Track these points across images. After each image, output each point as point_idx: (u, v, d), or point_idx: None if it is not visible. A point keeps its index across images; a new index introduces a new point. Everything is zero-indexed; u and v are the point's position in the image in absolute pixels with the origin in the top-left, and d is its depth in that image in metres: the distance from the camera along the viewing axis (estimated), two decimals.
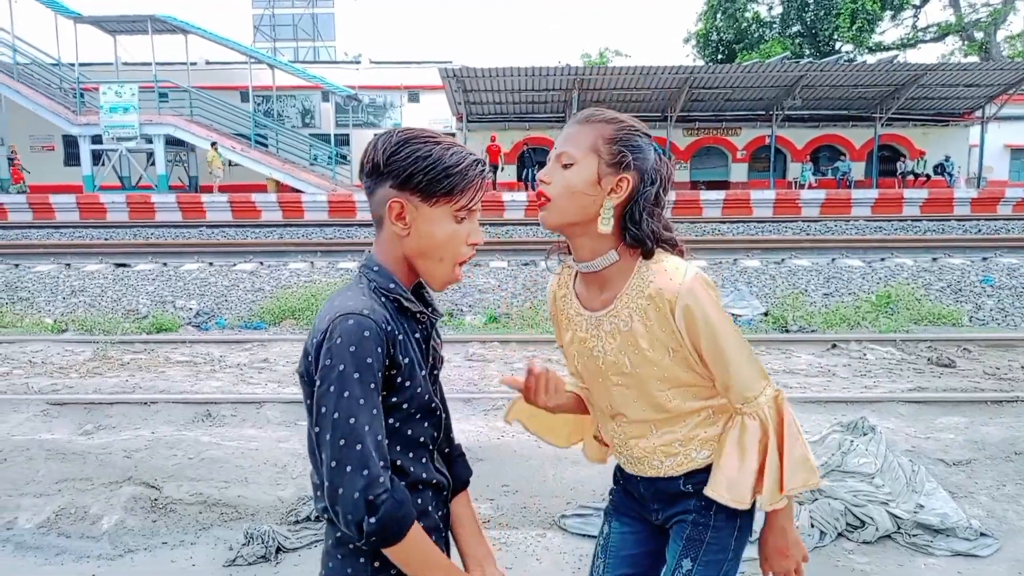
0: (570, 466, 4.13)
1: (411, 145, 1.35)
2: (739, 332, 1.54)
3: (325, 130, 29.69)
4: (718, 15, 36.08)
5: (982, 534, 3.38)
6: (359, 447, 1.19)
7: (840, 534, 3.43)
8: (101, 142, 24.16)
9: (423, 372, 1.40)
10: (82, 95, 24.44)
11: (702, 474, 1.62)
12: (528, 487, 3.95)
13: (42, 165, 28.39)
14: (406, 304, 1.36)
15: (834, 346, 7.00)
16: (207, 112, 25.41)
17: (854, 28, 31.87)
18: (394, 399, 1.32)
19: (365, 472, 1.19)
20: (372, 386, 1.23)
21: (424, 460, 1.42)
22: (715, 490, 1.56)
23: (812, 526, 3.42)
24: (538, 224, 11.99)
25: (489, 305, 8.90)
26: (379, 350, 1.25)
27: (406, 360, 1.33)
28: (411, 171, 1.34)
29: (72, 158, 27.18)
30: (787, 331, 7.78)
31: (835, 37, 34.16)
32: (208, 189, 22.06)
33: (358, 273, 1.40)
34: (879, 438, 3.90)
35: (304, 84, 28.12)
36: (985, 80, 23.84)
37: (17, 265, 11.00)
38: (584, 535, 3.51)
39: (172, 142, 25.19)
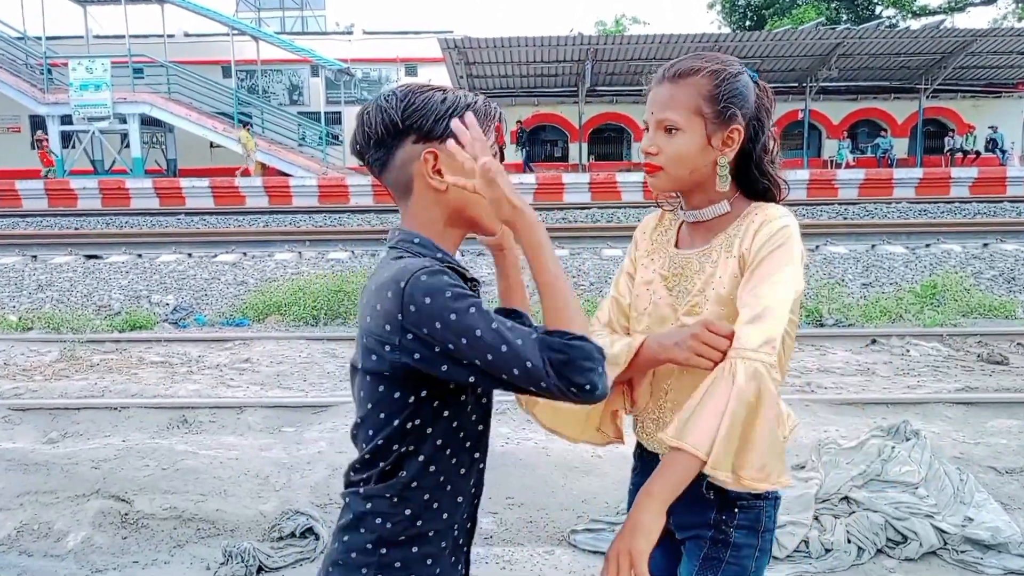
0: (581, 476, 4.10)
1: (423, 94, 1.36)
2: (791, 295, 1.51)
3: (315, 108, 29.63)
4: None
5: None
6: (504, 348, 1.21)
7: (880, 550, 3.39)
8: (71, 122, 24.21)
9: None
10: (50, 71, 24.47)
11: None
12: (535, 499, 3.92)
13: (6, 148, 28.47)
14: (460, 270, 1.36)
15: (874, 341, 6.95)
16: (186, 89, 25.42)
17: None
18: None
19: (530, 363, 1.21)
20: (477, 300, 1.25)
21: (461, 463, 1.42)
22: (686, 437, 1.46)
23: (848, 541, 3.39)
24: (546, 210, 11.98)
25: (493, 298, 8.87)
26: (462, 285, 1.28)
27: None
28: (435, 117, 1.35)
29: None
30: (822, 325, 7.73)
31: (875, 1, 33.88)
32: (247, 173, 22.25)
33: (398, 250, 1.38)
34: (923, 444, 3.86)
35: (291, 58, 28.08)
36: None
37: None
38: (596, 552, 3.48)
39: (148, 122, 25.23)
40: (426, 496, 1.36)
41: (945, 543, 3.38)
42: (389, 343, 1.28)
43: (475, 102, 1.39)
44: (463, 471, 1.42)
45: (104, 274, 10.09)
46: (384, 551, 1.35)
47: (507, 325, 1.24)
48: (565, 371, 1.21)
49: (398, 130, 1.35)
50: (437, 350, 1.24)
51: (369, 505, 1.37)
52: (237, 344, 7.20)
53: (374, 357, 1.31)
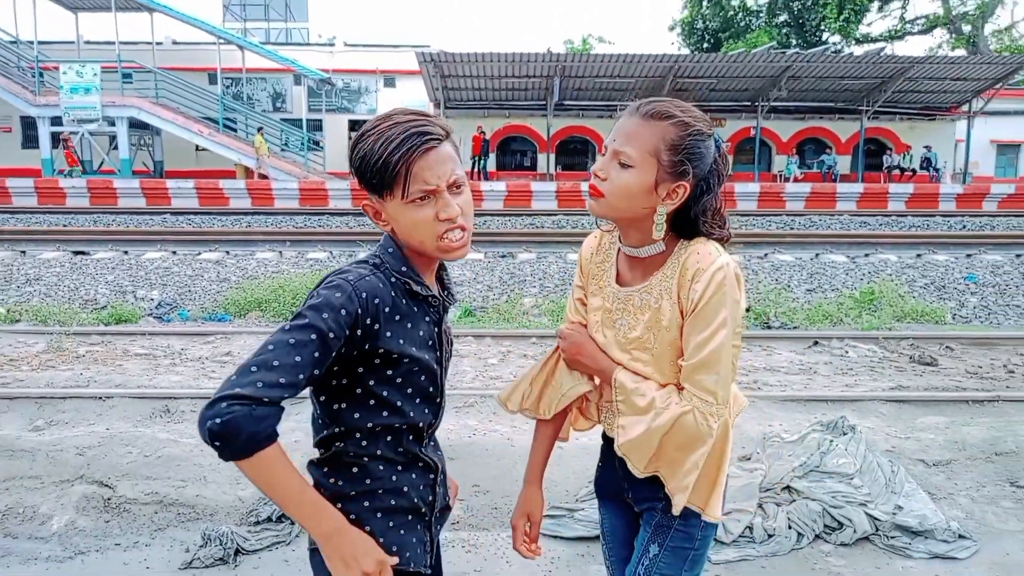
0: None
1: (360, 143, 1.38)
2: (728, 349, 1.53)
3: (297, 115, 29.35)
4: (704, 3, 36.23)
5: (961, 536, 3.41)
6: (254, 369, 1.22)
7: (818, 536, 3.44)
8: (61, 124, 23.72)
9: (430, 355, 1.46)
10: (41, 74, 23.99)
11: None
12: (499, 487, 3.92)
13: None
14: (415, 288, 1.42)
15: (816, 343, 7.05)
16: (173, 94, 25.06)
17: (841, 19, 32.16)
18: (382, 371, 1.40)
19: (238, 385, 1.20)
20: (313, 336, 1.25)
21: (415, 439, 1.49)
22: (630, 455, 1.62)
23: (789, 527, 3.44)
24: (516, 216, 12.00)
25: (464, 298, 8.86)
26: (347, 312, 1.29)
27: (400, 340, 1.39)
28: (360, 172, 1.40)
29: (30, 140, 26.68)
30: (769, 327, 7.82)
31: (822, 27, 34.45)
32: (264, 176, 22.20)
33: (372, 253, 1.45)
34: (859, 438, 3.93)
35: (275, 67, 27.79)
36: (972, 74, 24.14)
37: None
38: (557, 536, 3.49)
39: (136, 125, 24.80)
40: (364, 459, 1.46)
41: (877, 529, 3.44)
42: None
43: (380, 155, 1.34)
44: (415, 451, 1.51)
45: (91, 270, 9.90)
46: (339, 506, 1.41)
47: (278, 367, 1.23)
48: (201, 423, 1.21)
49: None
50: None
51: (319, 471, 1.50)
52: (219, 338, 7.11)
53: None
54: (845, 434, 3.97)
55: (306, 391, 1.36)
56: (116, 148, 24.54)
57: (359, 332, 1.33)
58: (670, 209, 1.55)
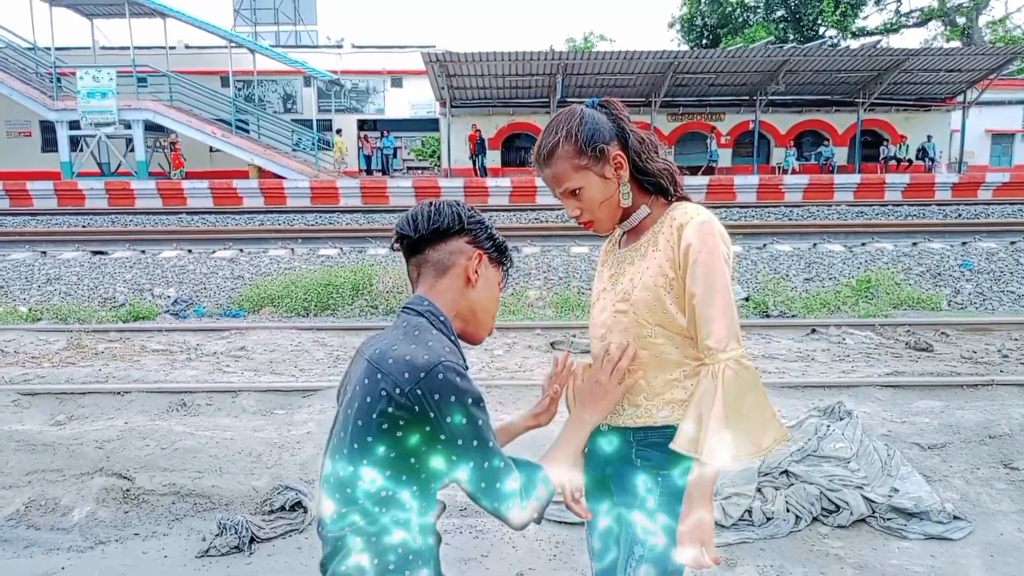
0: None
1: (480, 215, 1.61)
2: (729, 289, 1.58)
3: (307, 115, 29.37)
4: (702, 0, 36.00)
5: (955, 517, 3.40)
6: (502, 465, 1.41)
7: (815, 518, 3.44)
8: (79, 128, 23.77)
9: None
10: (59, 80, 24.02)
11: (652, 448, 1.66)
12: None
13: (19, 151, 27.96)
14: (462, 355, 1.53)
15: (813, 331, 7.03)
16: (187, 97, 25.06)
17: (838, 13, 31.93)
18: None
19: (516, 485, 1.42)
20: (488, 416, 1.42)
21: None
22: (677, 443, 1.59)
23: (787, 510, 3.43)
24: (520, 211, 11.99)
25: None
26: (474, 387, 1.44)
27: None
28: (489, 232, 1.60)
29: (49, 144, 26.72)
30: (768, 316, 7.80)
31: (819, 22, 34.21)
32: (351, 173, 22.82)
33: (424, 318, 1.51)
34: (855, 423, 3.92)
35: (285, 69, 27.78)
36: (967, 65, 23.93)
37: None
38: (561, 522, 3.49)
39: (151, 128, 24.83)
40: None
41: (873, 511, 3.43)
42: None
43: (505, 244, 1.64)
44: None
45: (109, 269, 9.94)
46: None
47: (500, 452, 1.42)
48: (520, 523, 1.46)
49: (462, 227, 1.56)
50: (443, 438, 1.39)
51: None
52: (233, 333, 7.13)
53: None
54: (842, 419, 3.95)
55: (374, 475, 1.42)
56: (132, 151, 24.60)
57: None
58: (627, 177, 1.68)
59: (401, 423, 1.36)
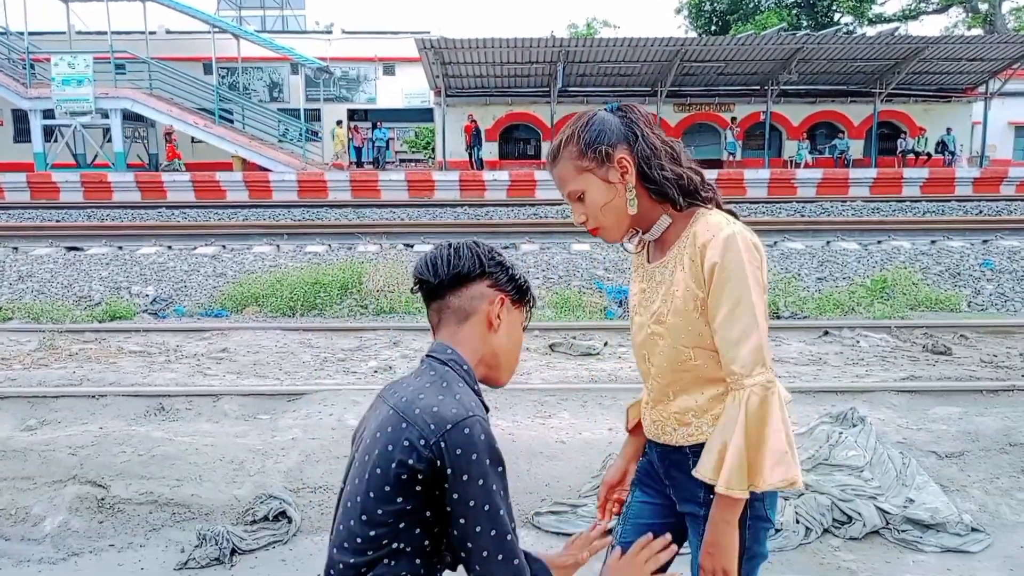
0: (545, 461, 4.11)
1: (501, 255, 1.63)
2: (760, 307, 1.59)
3: (294, 105, 29.35)
4: None
5: (973, 529, 3.41)
6: (509, 539, 1.41)
7: (826, 530, 3.45)
8: (53, 117, 23.74)
9: None
10: (32, 66, 23.97)
11: None
12: None
13: None
14: (485, 406, 1.56)
15: (826, 333, 7.04)
16: (167, 85, 25.03)
17: None
18: None
19: (516, 562, 1.42)
20: (507, 485, 1.44)
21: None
22: (699, 470, 1.64)
23: (797, 522, 3.44)
24: (518, 206, 12.02)
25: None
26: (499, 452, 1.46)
27: None
28: (511, 275, 1.62)
29: (22, 134, 26.71)
30: (778, 317, 7.81)
31: (834, 8, 34.23)
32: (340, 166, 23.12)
33: (445, 369, 1.53)
34: (869, 429, 3.93)
35: (272, 55, 27.77)
36: (989, 54, 23.95)
37: None
38: (559, 533, 3.50)
39: (130, 117, 24.81)
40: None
41: (887, 523, 3.44)
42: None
43: (528, 283, 1.67)
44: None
45: (85, 265, 9.93)
46: None
47: (512, 527, 1.44)
48: None
49: (483, 271, 1.58)
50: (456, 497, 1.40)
51: None
52: (215, 334, 7.13)
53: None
54: (855, 426, 3.96)
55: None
56: (110, 141, 24.57)
57: None
58: (633, 182, 1.68)
59: (420, 476, 1.39)
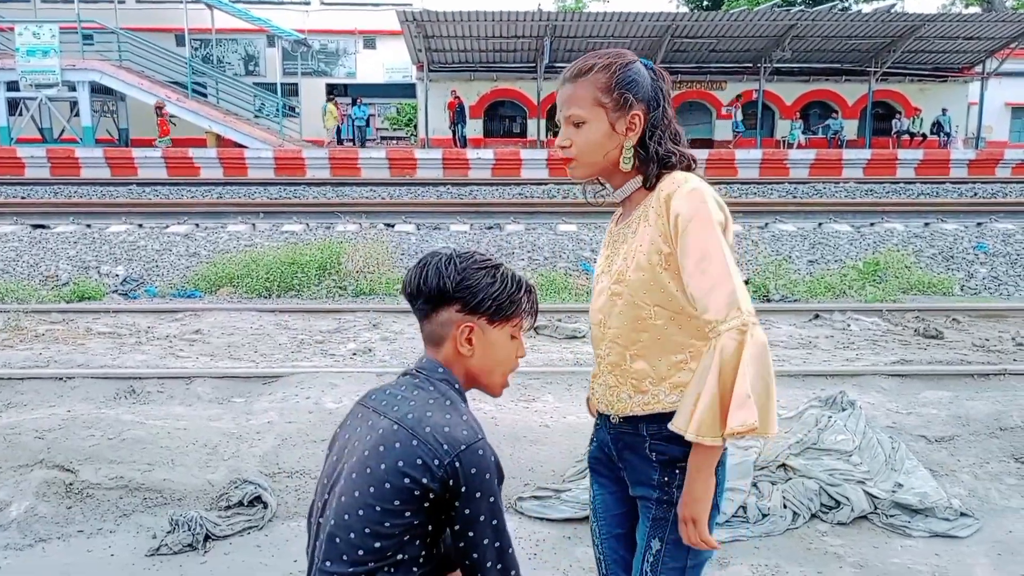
0: (528, 445, 4.13)
1: (476, 273, 1.62)
2: (727, 253, 1.57)
3: (271, 79, 29.07)
4: None
5: (962, 514, 3.46)
6: (511, 551, 1.57)
7: (814, 515, 3.49)
8: (18, 89, 23.40)
9: None
10: None
11: (667, 443, 1.68)
12: None
13: None
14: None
15: (817, 316, 7.09)
16: (138, 57, 24.71)
17: None
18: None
19: (514, 573, 1.58)
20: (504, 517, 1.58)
21: None
22: (674, 422, 1.61)
23: (784, 507, 3.48)
24: (503, 185, 11.96)
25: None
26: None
27: None
28: (481, 297, 1.62)
29: None
30: (769, 300, 7.86)
31: None
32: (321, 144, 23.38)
33: (446, 387, 1.62)
34: (858, 413, 3.97)
35: (247, 27, 27.45)
36: (986, 33, 24.05)
37: None
38: (542, 518, 3.52)
39: (99, 90, 24.49)
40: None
41: (876, 508, 3.48)
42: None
43: (517, 290, 1.66)
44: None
45: (51, 244, 9.82)
46: None
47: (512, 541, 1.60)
48: None
49: (447, 297, 1.61)
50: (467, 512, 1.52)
51: None
52: (188, 315, 7.09)
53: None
54: (844, 410, 4.00)
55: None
56: (78, 115, 24.25)
57: None
58: (634, 140, 1.71)
59: (432, 494, 1.49)
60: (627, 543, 1.87)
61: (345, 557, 1.51)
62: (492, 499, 1.51)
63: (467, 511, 1.50)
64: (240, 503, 3.57)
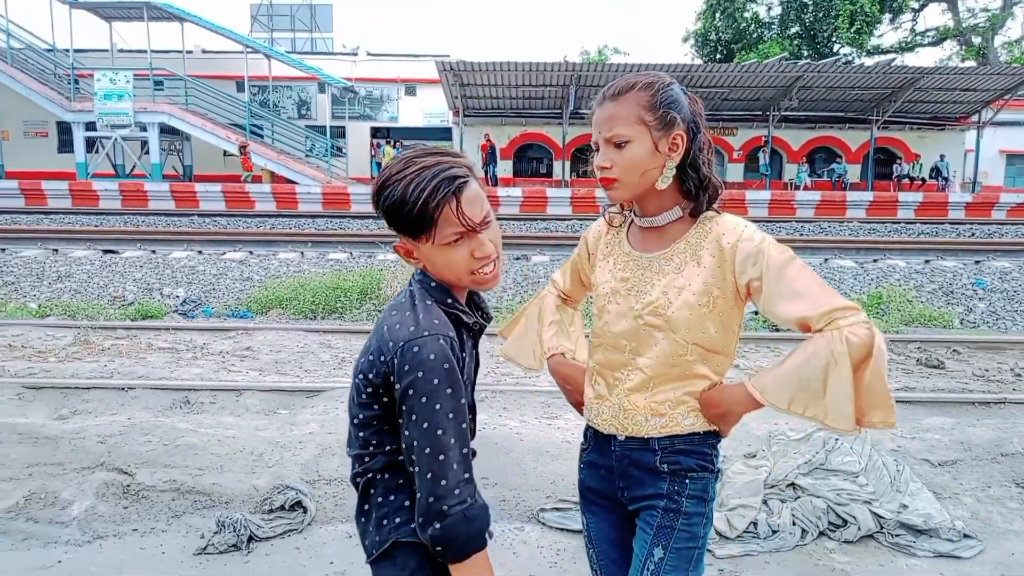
0: (551, 460, 4.07)
1: (387, 188, 1.39)
2: (808, 267, 1.53)
3: (321, 122, 29.52)
4: (717, 15, 36.02)
5: (965, 535, 3.33)
6: (442, 458, 1.31)
7: (822, 533, 3.38)
8: (95, 129, 23.96)
9: (474, 374, 1.54)
10: (76, 81, 24.22)
11: (679, 455, 1.61)
12: (507, 480, 3.88)
13: (36, 152, 28.21)
14: (464, 318, 1.46)
15: None
16: (202, 101, 25.24)
17: (853, 30, 31.86)
18: None
19: (443, 483, 1.31)
20: (462, 401, 1.35)
21: None
22: (795, 408, 1.45)
23: (794, 524, 3.37)
24: (530, 220, 11.95)
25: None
26: (460, 372, 1.37)
27: (464, 376, 1.42)
28: (392, 216, 1.41)
29: (66, 145, 26.91)
30: (778, 329, 7.72)
31: (834, 39, 34.12)
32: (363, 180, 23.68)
33: (418, 287, 1.45)
34: (864, 437, 3.85)
35: (301, 75, 27.95)
36: (982, 85, 23.83)
37: (3, 250, 10.89)
38: (563, 529, 3.45)
39: (166, 131, 25.01)
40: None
41: (881, 527, 3.37)
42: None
43: (417, 199, 1.35)
44: None
45: (120, 268, 9.97)
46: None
47: (460, 449, 1.33)
48: (423, 530, 1.34)
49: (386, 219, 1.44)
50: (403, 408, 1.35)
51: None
52: (240, 333, 7.13)
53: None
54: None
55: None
56: (147, 153, 24.76)
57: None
58: (677, 161, 1.58)
59: (381, 390, 1.38)
60: (624, 564, 1.74)
61: (351, 442, 1.49)
62: (425, 399, 1.31)
63: (403, 408, 1.33)
64: (282, 507, 3.54)
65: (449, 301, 1.45)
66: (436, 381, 1.31)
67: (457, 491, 1.31)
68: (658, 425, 1.61)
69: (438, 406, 1.31)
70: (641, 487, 1.65)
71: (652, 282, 1.61)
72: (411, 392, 1.32)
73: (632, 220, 1.72)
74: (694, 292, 1.55)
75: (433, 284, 1.45)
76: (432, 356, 1.32)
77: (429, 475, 1.31)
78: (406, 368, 1.32)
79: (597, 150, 1.62)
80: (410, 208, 1.36)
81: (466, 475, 1.33)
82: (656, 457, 1.62)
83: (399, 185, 1.36)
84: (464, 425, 1.35)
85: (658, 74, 1.61)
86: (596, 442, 1.75)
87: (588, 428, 1.79)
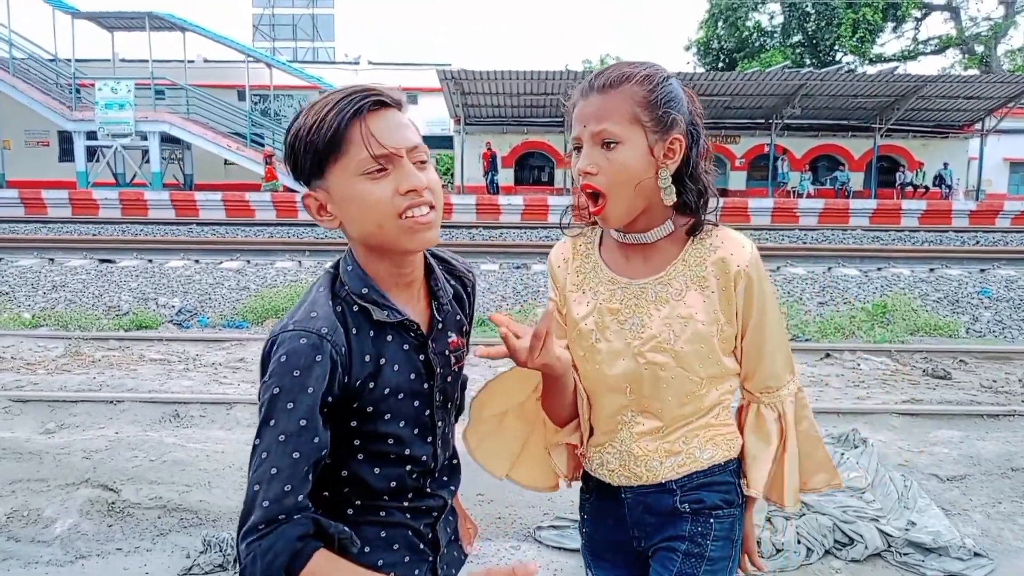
0: None
1: (290, 132, 1.17)
2: (783, 319, 1.46)
3: None
4: (719, 24, 36.08)
5: (976, 554, 3.22)
6: (256, 488, 1.07)
7: (828, 551, 3.27)
8: (96, 138, 24.01)
9: (421, 386, 1.24)
10: (78, 91, 24.27)
11: (700, 490, 1.43)
12: (504, 497, 3.78)
13: (36, 161, 28.25)
14: (374, 313, 1.18)
15: (828, 355, 6.85)
16: (203, 110, 25.26)
17: (855, 39, 31.88)
18: (355, 425, 1.19)
19: (250, 517, 1.07)
20: (302, 422, 1.08)
21: (402, 497, 1.27)
22: (769, 495, 1.50)
23: (799, 542, 3.26)
24: (531, 228, 11.82)
25: (477, 309, 8.74)
26: (325, 377, 1.11)
27: (371, 385, 1.17)
28: (295, 158, 1.16)
29: (67, 154, 26.97)
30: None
31: (836, 47, 34.16)
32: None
33: (326, 275, 1.23)
34: (870, 451, 3.76)
35: (302, 84, 27.96)
36: (985, 93, 23.77)
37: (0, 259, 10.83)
38: (560, 548, 3.35)
39: (168, 139, 25.03)
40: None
41: (889, 546, 3.26)
42: None
43: (316, 120, 1.13)
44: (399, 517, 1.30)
45: (116, 277, 9.89)
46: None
47: (278, 475, 1.07)
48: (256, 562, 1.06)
49: (295, 175, 1.20)
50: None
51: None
52: (234, 344, 7.04)
53: None
54: (856, 447, 3.79)
55: None
56: (148, 162, 24.77)
57: (337, 391, 1.15)
58: (672, 169, 1.34)
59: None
60: None
61: None
62: (264, 408, 1.09)
63: (260, 396, 1.14)
64: None
65: (364, 291, 1.18)
66: (277, 391, 1.09)
67: (260, 527, 1.06)
68: (674, 465, 1.42)
69: (272, 422, 1.08)
70: (658, 530, 1.46)
71: (649, 312, 1.38)
72: (262, 384, 1.12)
73: (602, 235, 1.48)
74: (703, 322, 1.35)
75: (349, 268, 1.21)
76: (284, 358, 1.10)
77: (251, 471, 1.10)
78: (269, 360, 1.13)
79: (577, 149, 1.36)
80: (311, 129, 1.12)
81: (280, 516, 1.06)
82: (675, 498, 1.44)
83: (302, 115, 1.16)
84: (298, 454, 1.08)
85: (655, 64, 1.35)
86: (600, 490, 1.52)
87: (589, 477, 1.56)
